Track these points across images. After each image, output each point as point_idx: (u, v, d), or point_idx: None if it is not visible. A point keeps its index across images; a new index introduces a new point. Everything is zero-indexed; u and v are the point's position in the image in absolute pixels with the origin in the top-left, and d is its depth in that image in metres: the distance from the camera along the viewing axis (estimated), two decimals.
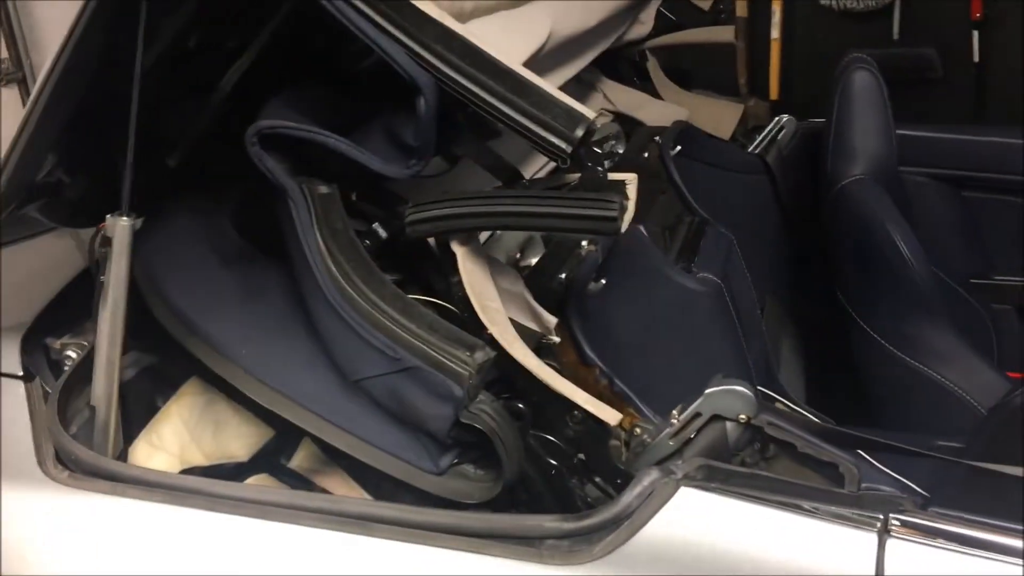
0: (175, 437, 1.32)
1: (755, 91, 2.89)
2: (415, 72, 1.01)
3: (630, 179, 1.07)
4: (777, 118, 2.29)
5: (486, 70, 1.01)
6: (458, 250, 1.10)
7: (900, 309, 1.75)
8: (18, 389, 1.20)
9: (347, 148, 1.07)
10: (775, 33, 3.06)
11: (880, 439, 1.10)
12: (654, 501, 0.93)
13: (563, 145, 1.00)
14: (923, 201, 2.15)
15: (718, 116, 2.25)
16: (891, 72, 2.16)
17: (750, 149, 2.23)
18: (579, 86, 2.04)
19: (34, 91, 1.06)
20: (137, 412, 1.31)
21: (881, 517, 0.87)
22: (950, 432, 1.50)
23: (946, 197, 2.22)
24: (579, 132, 1.00)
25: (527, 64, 1.24)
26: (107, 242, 1.10)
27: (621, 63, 2.22)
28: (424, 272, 1.17)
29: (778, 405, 1.70)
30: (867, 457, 1.27)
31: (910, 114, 2.25)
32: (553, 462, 1.08)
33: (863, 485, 0.94)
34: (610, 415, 1.04)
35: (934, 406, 1.71)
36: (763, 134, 2.25)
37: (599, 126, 1.01)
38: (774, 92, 3.01)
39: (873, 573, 0.85)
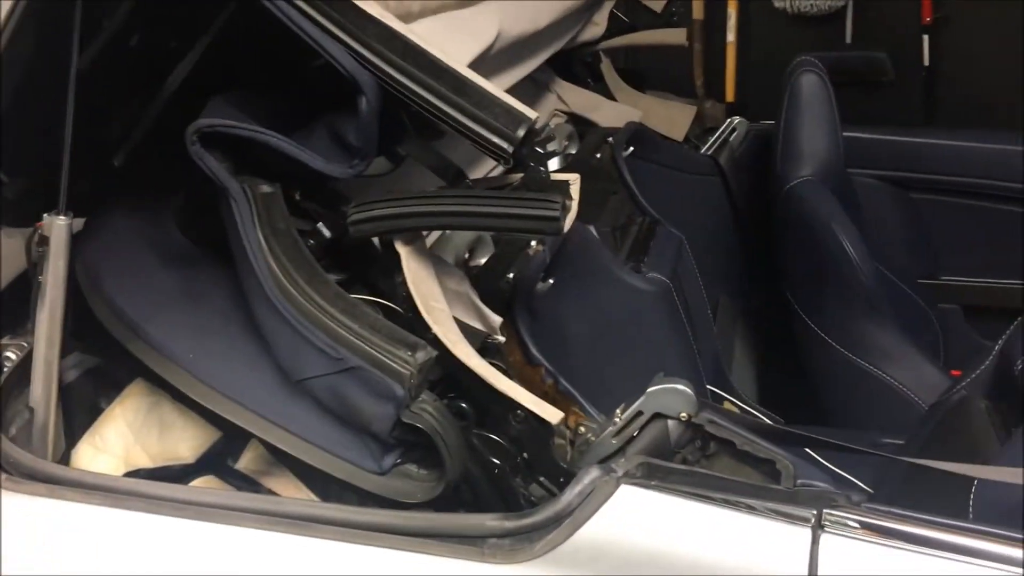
0: (119, 439, 1.30)
1: (712, 93, 2.92)
2: (356, 71, 1.01)
3: (573, 179, 1.07)
4: (729, 120, 2.32)
5: (427, 69, 1.01)
6: (402, 250, 1.09)
7: (846, 308, 1.78)
8: None
9: (288, 147, 1.06)
10: (730, 36, 3.10)
11: (821, 437, 1.12)
12: (594, 499, 0.93)
13: (504, 145, 1.01)
14: (872, 202, 2.19)
15: (671, 117, 2.27)
16: (843, 75, 2.21)
17: (702, 150, 2.26)
18: (533, 87, 2.05)
19: None
20: (80, 414, 1.29)
21: (815, 512, 0.88)
22: (896, 429, 1.53)
23: (895, 198, 2.26)
24: (520, 132, 1.00)
25: (474, 64, 1.25)
26: (44, 241, 1.08)
27: (575, 64, 2.23)
28: (369, 272, 1.16)
29: (728, 405, 1.73)
30: (814, 455, 1.29)
31: (862, 117, 2.29)
32: (497, 461, 1.09)
33: (799, 481, 0.95)
34: (552, 414, 1.05)
35: (880, 404, 1.74)
36: (715, 136, 2.28)
37: (539, 125, 1.02)
38: (730, 94, 3.05)
39: (807, 569, 0.86)
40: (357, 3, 1.03)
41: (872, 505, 0.90)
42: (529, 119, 1.01)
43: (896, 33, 2.89)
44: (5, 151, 1.17)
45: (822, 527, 0.88)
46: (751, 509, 0.90)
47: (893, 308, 1.82)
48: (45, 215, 1.08)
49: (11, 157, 1.21)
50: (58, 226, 1.08)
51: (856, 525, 0.88)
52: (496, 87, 1.04)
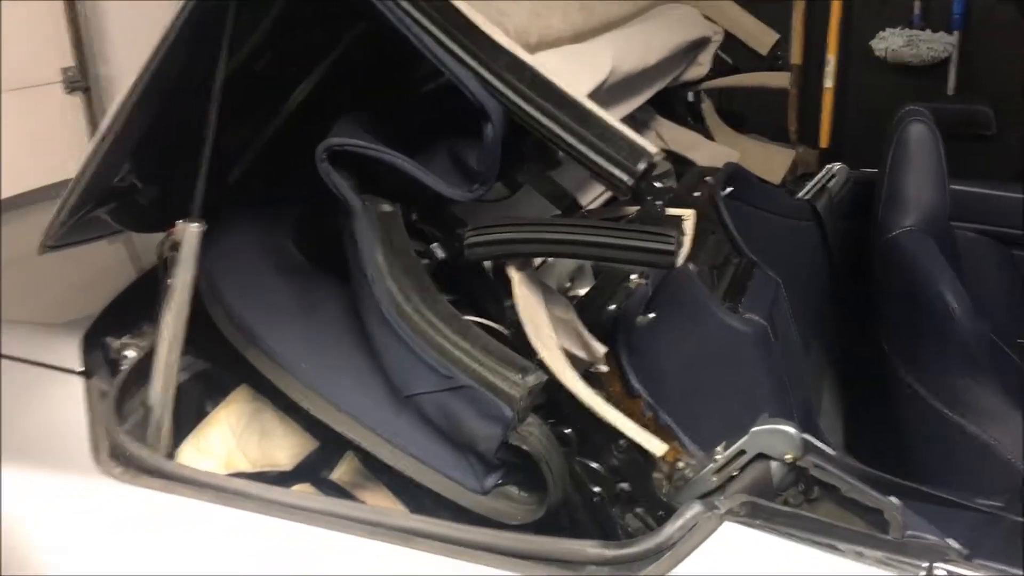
0: (221, 442, 1.34)
1: (804, 139, 2.90)
2: (484, 98, 1.04)
3: (687, 215, 1.08)
4: (828, 166, 2.30)
5: (553, 99, 1.04)
6: (514, 275, 1.11)
7: (946, 363, 1.74)
8: (77, 384, 1.23)
9: (413, 169, 1.09)
10: (828, 82, 3.08)
11: (926, 489, 1.10)
12: (697, 534, 0.93)
13: (625, 178, 1.02)
14: (973, 257, 2.14)
15: (769, 160, 2.26)
16: (944, 127, 2.17)
17: (800, 195, 2.24)
18: (633, 123, 2.06)
19: (118, 101, 1.10)
20: (186, 415, 1.33)
21: (925, 565, 0.87)
22: (990, 491, 1.49)
23: (996, 254, 2.21)
24: (641, 166, 1.02)
25: (590, 98, 1.27)
26: (176, 246, 1.13)
27: (676, 103, 2.24)
28: (478, 295, 1.18)
29: None
30: (909, 509, 1.26)
31: (961, 170, 2.25)
32: (596, 489, 1.09)
33: (907, 532, 0.94)
34: (656, 446, 1.05)
35: (975, 463, 1.69)
36: (814, 181, 2.26)
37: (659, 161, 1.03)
38: (824, 140, 3.02)
39: None
40: (487, 33, 1.06)
41: (984, 562, 0.88)
42: (650, 154, 1.02)
43: (999, 87, 2.84)
44: (142, 161, 1.24)
45: None
46: (860, 556, 0.89)
47: (993, 365, 1.78)
48: (179, 221, 1.13)
49: (145, 167, 1.27)
50: (191, 232, 1.12)
51: None
52: (618, 121, 1.06)
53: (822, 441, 1.74)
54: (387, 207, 1.14)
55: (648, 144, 1.03)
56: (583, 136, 1.03)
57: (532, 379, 1.01)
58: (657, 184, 1.04)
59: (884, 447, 1.92)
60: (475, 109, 1.05)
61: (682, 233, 1.05)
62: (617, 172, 1.02)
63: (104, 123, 1.11)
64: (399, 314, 1.07)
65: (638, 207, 1.07)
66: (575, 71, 1.30)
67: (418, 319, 1.06)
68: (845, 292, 2.18)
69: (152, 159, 1.23)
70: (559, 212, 1.24)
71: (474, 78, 1.04)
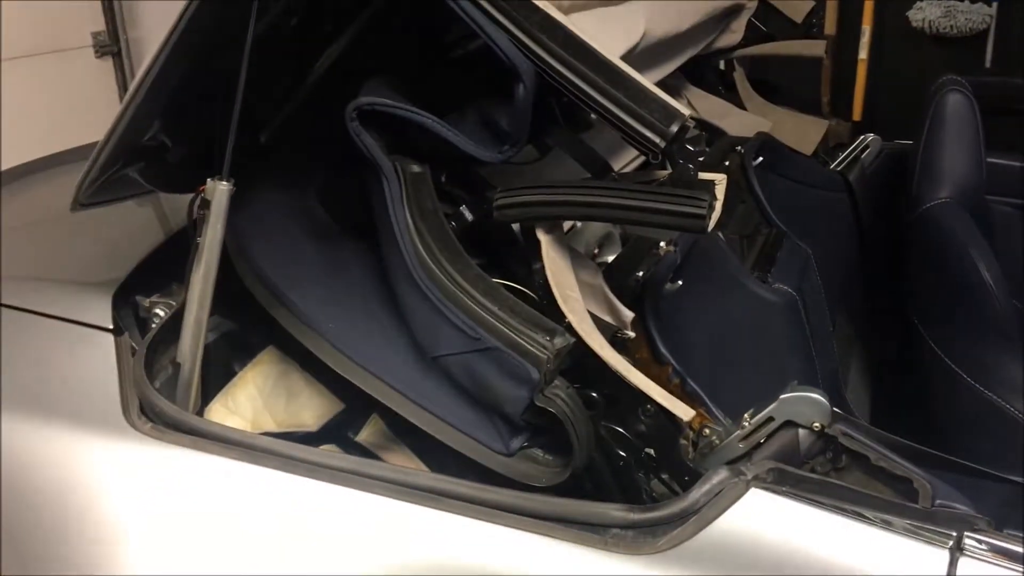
0: (249, 403, 1.35)
1: (837, 110, 2.85)
2: (516, 58, 1.03)
3: (719, 179, 1.07)
4: (862, 136, 2.26)
5: (586, 60, 1.02)
6: (543, 238, 1.11)
7: (977, 336, 1.71)
8: (108, 341, 1.24)
9: (442, 129, 1.08)
10: (863, 53, 3.02)
11: (958, 460, 1.09)
12: (723, 499, 0.93)
13: (657, 140, 1.01)
14: (1009, 232, 2.11)
15: (801, 131, 2.23)
16: (982, 100, 2.12)
17: (832, 166, 2.21)
18: (664, 90, 2.04)
19: (146, 62, 1.09)
20: (214, 375, 1.34)
21: (954, 535, 0.86)
22: (1020, 466, 1.47)
23: None
24: (674, 128, 1.00)
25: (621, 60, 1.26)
26: (205, 205, 1.13)
27: (707, 71, 2.21)
28: (506, 257, 1.18)
29: None
30: (940, 479, 1.25)
31: (997, 144, 2.20)
32: (622, 453, 1.09)
33: (937, 502, 0.93)
34: (684, 411, 1.04)
35: (1005, 439, 1.67)
36: (846, 152, 2.23)
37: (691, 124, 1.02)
38: (857, 112, 2.97)
39: None
40: None
41: (1015, 532, 0.87)
42: (683, 116, 1.01)
43: None
44: (172, 120, 1.23)
45: (961, 550, 0.86)
46: (887, 525, 0.88)
47: None
48: (208, 179, 1.13)
49: (176, 126, 1.27)
50: (220, 191, 1.12)
51: (998, 551, 0.85)
52: (651, 83, 1.05)
53: (849, 414, 1.74)
54: (416, 168, 1.13)
55: (681, 106, 1.02)
56: (616, 98, 1.02)
57: (560, 341, 1.01)
58: (689, 147, 1.03)
59: (912, 420, 1.90)
60: (506, 70, 1.04)
61: (714, 197, 1.04)
62: (649, 134, 1.01)
63: (135, 79, 1.11)
64: (427, 274, 1.06)
65: (670, 171, 1.06)
66: (608, 33, 1.29)
67: (445, 280, 1.05)
68: (876, 264, 2.16)
69: (182, 118, 1.23)
70: (590, 176, 1.23)
71: (506, 37, 1.03)
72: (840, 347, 1.99)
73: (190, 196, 1.20)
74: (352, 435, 1.36)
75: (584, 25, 1.14)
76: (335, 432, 1.35)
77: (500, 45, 1.03)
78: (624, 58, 1.33)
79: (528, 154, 1.27)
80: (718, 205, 1.06)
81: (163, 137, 1.25)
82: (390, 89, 1.16)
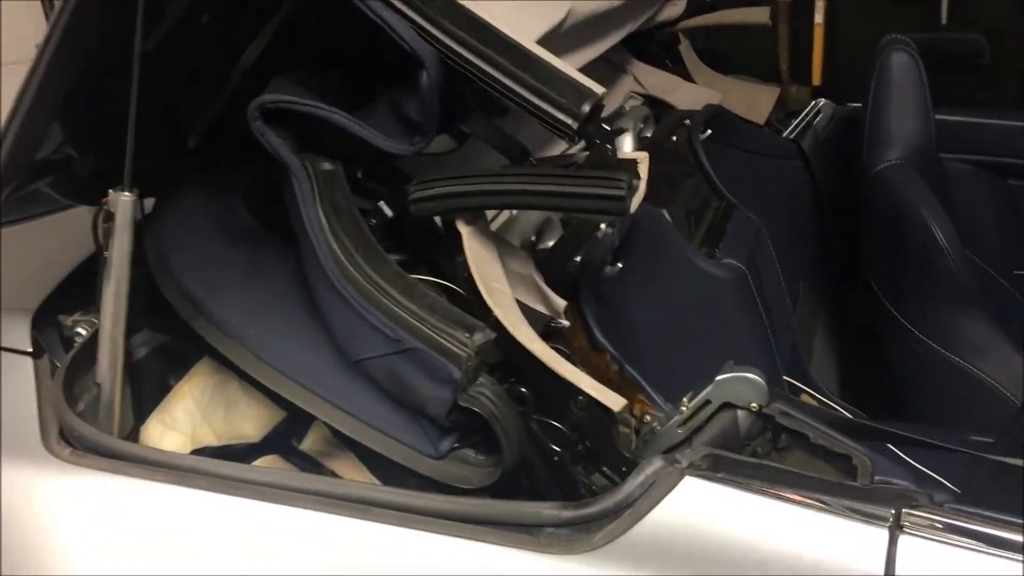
0: (187, 416, 1.31)
1: (797, 77, 2.82)
2: (417, 44, 0.99)
3: (642, 157, 1.03)
4: (813, 102, 2.23)
5: (491, 44, 0.98)
6: (463, 229, 1.07)
7: (934, 298, 1.69)
8: (26, 365, 1.19)
9: (349, 123, 1.04)
10: (818, 18, 2.98)
11: (902, 432, 1.06)
12: (657, 490, 0.89)
13: (569, 121, 0.97)
14: (966, 189, 2.08)
15: (753, 100, 2.19)
16: (937, 57, 2.09)
17: (785, 134, 2.18)
18: (608, 68, 2.00)
19: (31, 65, 1.05)
20: (150, 391, 1.30)
21: (893, 512, 0.83)
22: (984, 426, 1.45)
23: (990, 185, 2.15)
24: (586, 107, 0.96)
25: (543, 41, 1.21)
26: (110, 217, 1.09)
27: (652, 45, 2.17)
28: (431, 252, 1.14)
29: (805, 397, 1.66)
30: (896, 451, 1.22)
31: (956, 101, 2.17)
32: (557, 448, 1.05)
33: (877, 479, 0.90)
34: (614, 401, 1.01)
35: (968, 399, 1.65)
36: (799, 119, 2.19)
37: (606, 101, 0.98)
38: (816, 78, 2.93)
39: (883, 571, 0.81)
40: None
41: (956, 506, 0.84)
42: (595, 94, 0.97)
43: (992, 15, 2.75)
44: (75, 129, 1.19)
45: (901, 527, 0.82)
46: (825, 506, 0.85)
47: (985, 299, 1.72)
48: (111, 191, 1.09)
49: (81, 135, 1.22)
50: (123, 202, 1.08)
51: (938, 526, 0.82)
52: (563, 63, 1.01)
53: (813, 388, 1.72)
54: (328, 165, 1.09)
55: (593, 84, 0.98)
56: (523, 80, 0.98)
57: (479, 337, 0.97)
58: (606, 126, 0.99)
59: (878, 388, 1.88)
60: (411, 58, 1.00)
61: (636, 176, 1.00)
62: (561, 115, 0.97)
63: (19, 89, 1.06)
64: (343, 275, 1.02)
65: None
66: (526, 14, 1.24)
67: (362, 280, 1.01)
68: (834, 232, 2.13)
69: (82, 127, 1.19)
70: (508, 163, 1.19)
71: (406, 24, 0.99)
72: (804, 317, 1.96)
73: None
74: (296, 443, 1.32)
75: (500, 6, 1.10)
76: (278, 441, 1.31)
77: (400, 32, 0.99)
78: (547, 38, 1.29)
79: (445, 144, 1.23)
80: (641, 184, 1.02)
81: (68, 149, 1.20)
82: (298, 85, 1.11)
